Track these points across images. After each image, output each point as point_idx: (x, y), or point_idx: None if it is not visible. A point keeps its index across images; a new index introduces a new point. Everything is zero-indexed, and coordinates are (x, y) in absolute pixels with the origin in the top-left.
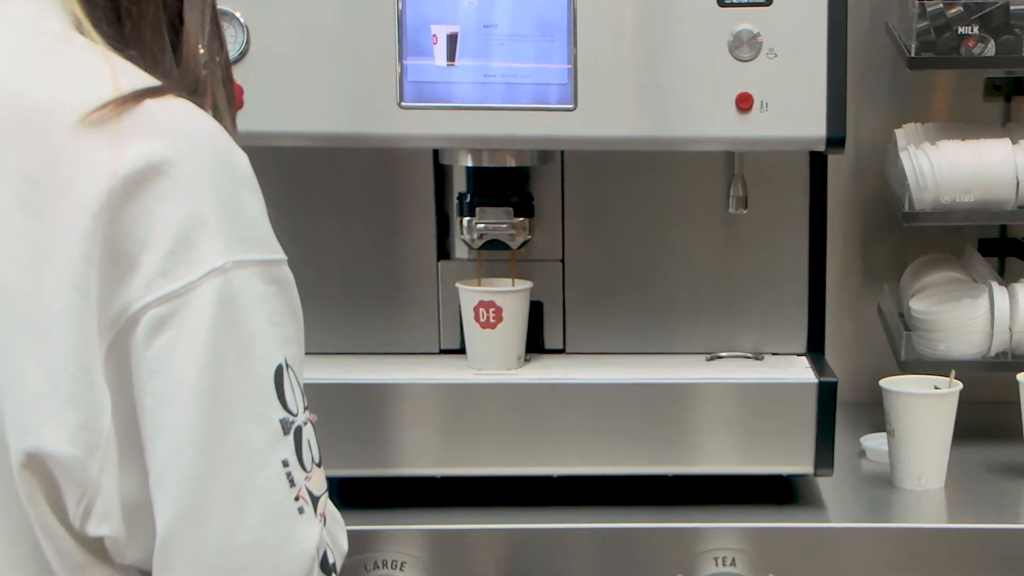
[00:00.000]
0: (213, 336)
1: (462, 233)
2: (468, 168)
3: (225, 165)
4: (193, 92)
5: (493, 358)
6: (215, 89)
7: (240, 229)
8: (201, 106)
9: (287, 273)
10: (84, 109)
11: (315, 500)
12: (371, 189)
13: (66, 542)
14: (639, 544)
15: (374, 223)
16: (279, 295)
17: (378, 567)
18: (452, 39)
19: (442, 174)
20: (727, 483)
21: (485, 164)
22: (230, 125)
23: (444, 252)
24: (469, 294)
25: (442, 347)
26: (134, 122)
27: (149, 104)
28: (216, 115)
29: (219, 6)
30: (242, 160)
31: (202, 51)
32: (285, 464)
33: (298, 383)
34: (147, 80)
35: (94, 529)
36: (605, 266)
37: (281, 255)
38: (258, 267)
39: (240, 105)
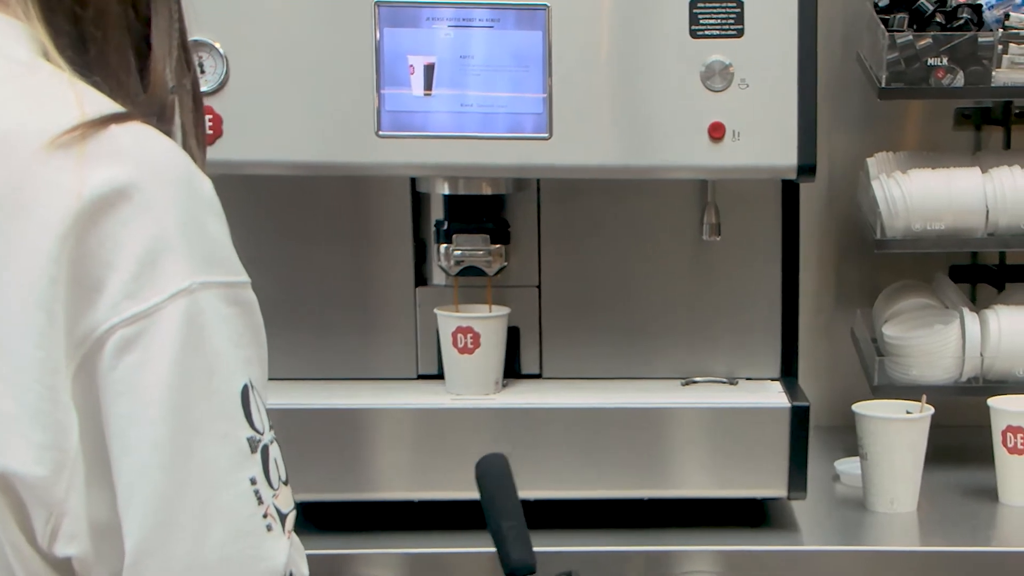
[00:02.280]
0: (180, 356)
1: (439, 260)
2: (445, 196)
3: (189, 189)
4: (160, 117)
5: (471, 383)
6: (183, 114)
7: (204, 251)
8: (168, 131)
9: (250, 295)
10: (50, 133)
11: (283, 517)
12: (349, 216)
13: (34, 562)
14: (615, 567)
15: (352, 250)
16: (242, 316)
17: None
18: (429, 69)
19: (419, 202)
20: (702, 506)
21: (462, 192)
22: (197, 149)
23: (421, 278)
24: (447, 320)
25: (420, 372)
26: (99, 147)
27: (114, 129)
28: (184, 139)
29: (199, 37)
30: (206, 184)
31: (169, 76)
32: (253, 482)
33: (263, 403)
34: (112, 106)
35: (62, 549)
36: (581, 292)
37: (244, 277)
38: (222, 289)
39: (219, 134)
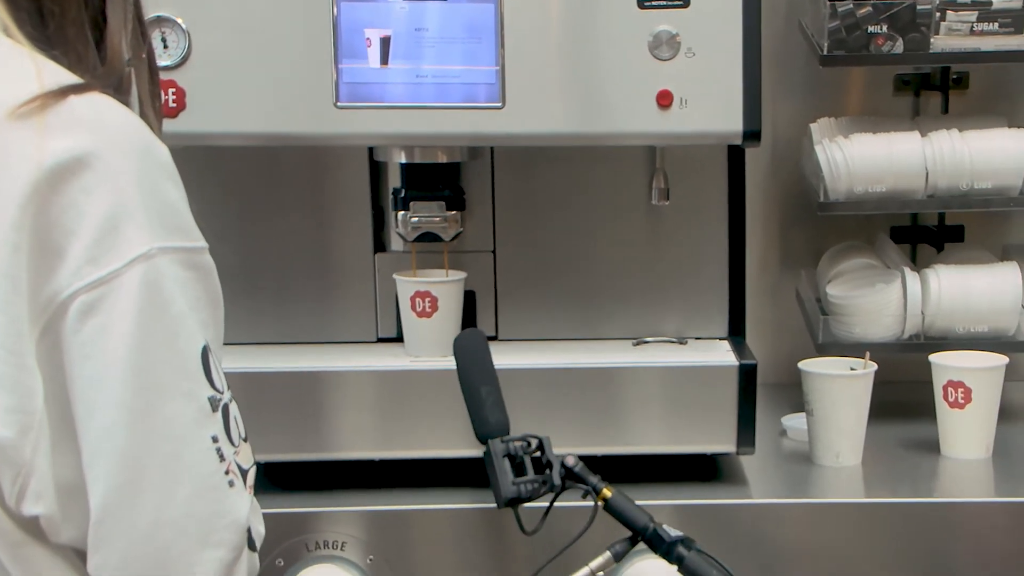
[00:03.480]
0: (141, 319)
1: (397, 227)
2: (402, 164)
3: (147, 157)
4: (117, 89)
5: (429, 345)
6: (139, 84)
7: (163, 217)
8: (126, 102)
9: (208, 260)
10: (9, 105)
11: (244, 473)
12: (309, 186)
13: (3, 521)
14: (572, 521)
15: (313, 218)
16: (199, 280)
17: (320, 547)
18: (385, 42)
19: (377, 171)
20: (655, 462)
21: (418, 160)
22: (154, 119)
23: (380, 245)
24: (406, 285)
25: (380, 335)
26: (58, 117)
27: (73, 100)
28: (141, 109)
29: (162, 13)
30: (163, 152)
31: (125, 48)
32: (215, 440)
33: (220, 364)
34: (71, 78)
35: (29, 508)
36: (534, 256)
37: (202, 243)
38: (180, 254)
39: (182, 107)
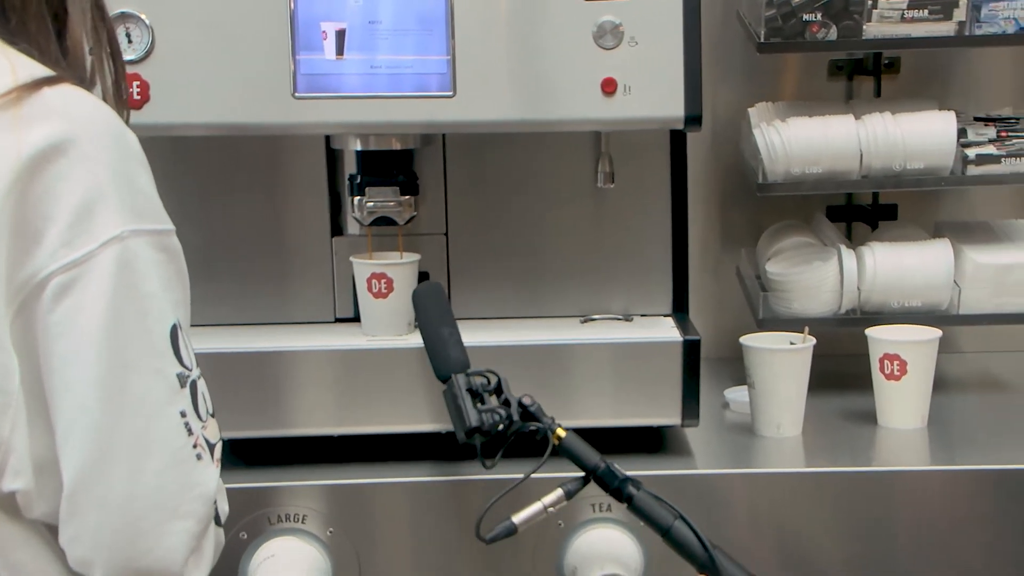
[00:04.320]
0: (113, 299)
1: (353, 211)
2: (357, 152)
3: (119, 144)
4: (82, 80)
5: (385, 325)
6: (101, 74)
7: (134, 202)
8: (91, 92)
9: (176, 242)
10: None
11: (211, 447)
12: (269, 173)
13: None
14: (524, 492)
15: (272, 204)
16: (169, 262)
17: (281, 520)
18: (340, 35)
19: (333, 158)
20: (603, 435)
21: (373, 148)
22: (118, 107)
23: (337, 229)
24: (362, 267)
25: (337, 316)
26: (33, 108)
27: (46, 91)
28: (103, 98)
29: (127, 9)
30: (133, 139)
31: (86, 39)
32: (183, 415)
33: (189, 342)
34: (44, 71)
35: (7, 484)
36: (486, 238)
37: (170, 226)
38: (151, 236)
39: (146, 99)
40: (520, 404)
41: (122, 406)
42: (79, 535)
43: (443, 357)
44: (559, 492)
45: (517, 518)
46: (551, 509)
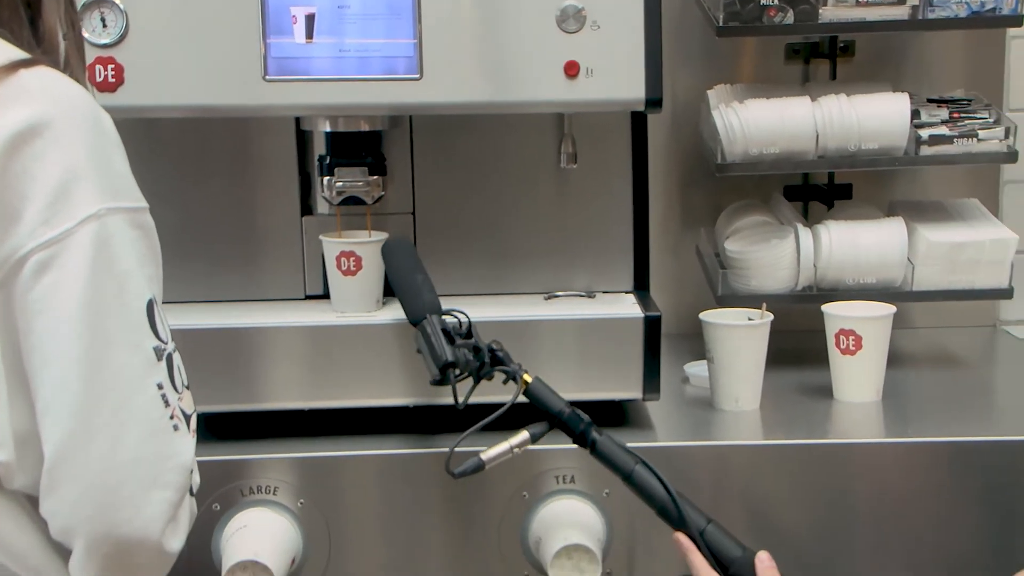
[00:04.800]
0: (91, 275)
1: (323, 191)
2: (327, 133)
3: (94, 125)
4: (57, 64)
5: (354, 302)
6: (73, 57)
7: (110, 180)
8: (65, 73)
9: (150, 220)
10: None
11: (187, 418)
12: (240, 154)
13: None
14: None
15: (244, 184)
16: (144, 238)
17: (253, 492)
18: (310, 19)
19: (303, 139)
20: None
21: (342, 129)
22: (89, 89)
23: (307, 208)
24: (331, 245)
25: (307, 293)
26: (10, 90)
27: (23, 74)
28: (75, 80)
29: None
30: (108, 120)
31: (59, 25)
32: (160, 387)
33: (164, 316)
34: (20, 54)
35: None
36: (452, 217)
37: (145, 203)
38: (127, 214)
39: (121, 82)
40: (489, 349)
41: (101, 380)
42: (60, 505)
43: (418, 300)
44: (525, 434)
45: (485, 455)
46: (517, 450)
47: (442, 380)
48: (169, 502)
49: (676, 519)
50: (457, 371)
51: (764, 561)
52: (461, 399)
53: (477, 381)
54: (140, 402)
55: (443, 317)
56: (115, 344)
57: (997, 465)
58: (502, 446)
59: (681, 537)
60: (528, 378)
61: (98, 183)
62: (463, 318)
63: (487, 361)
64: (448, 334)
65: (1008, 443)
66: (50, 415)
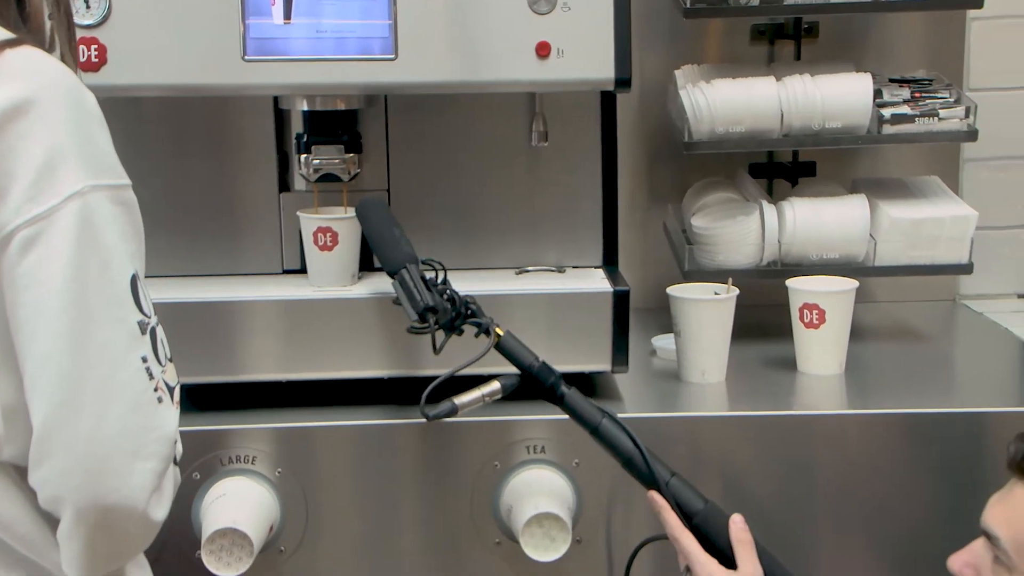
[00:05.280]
0: (76, 251)
1: (300, 168)
2: (304, 112)
3: (78, 104)
4: (42, 44)
5: (331, 276)
6: (60, 37)
7: (94, 158)
8: (51, 53)
9: (132, 196)
10: None
11: (171, 390)
12: (220, 132)
13: None
14: (460, 436)
15: (224, 162)
16: (127, 215)
17: (232, 461)
18: (288, 0)
19: (281, 118)
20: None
21: (319, 108)
22: (73, 67)
23: (285, 185)
24: (308, 221)
25: (285, 268)
26: None
27: (8, 53)
28: (63, 60)
29: None
30: (91, 99)
31: (45, 5)
32: (144, 360)
33: (147, 291)
34: (5, 33)
35: None
36: (426, 194)
37: (127, 180)
38: (110, 191)
39: (104, 62)
40: (464, 301)
41: (87, 354)
42: (49, 476)
43: (396, 251)
44: (496, 384)
45: (458, 400)
46: (488, 399)
47: (421, 326)
48: (154, 472)
49: (642, 470)
50: (436, 316)
51: (738, 524)
52: (439, 347)
53: (450, 333)
54: (125, 375)
55: (421, 268)
56: (100, 319)
57: (955, 436)
58: (474, 393)
59: (655, 495)
60: (500, 332)
61: (82, 161)
62: (439, 269)
63: (462, 312)
64: (426, 283)
65: (966, 414)
66: (38, 388)
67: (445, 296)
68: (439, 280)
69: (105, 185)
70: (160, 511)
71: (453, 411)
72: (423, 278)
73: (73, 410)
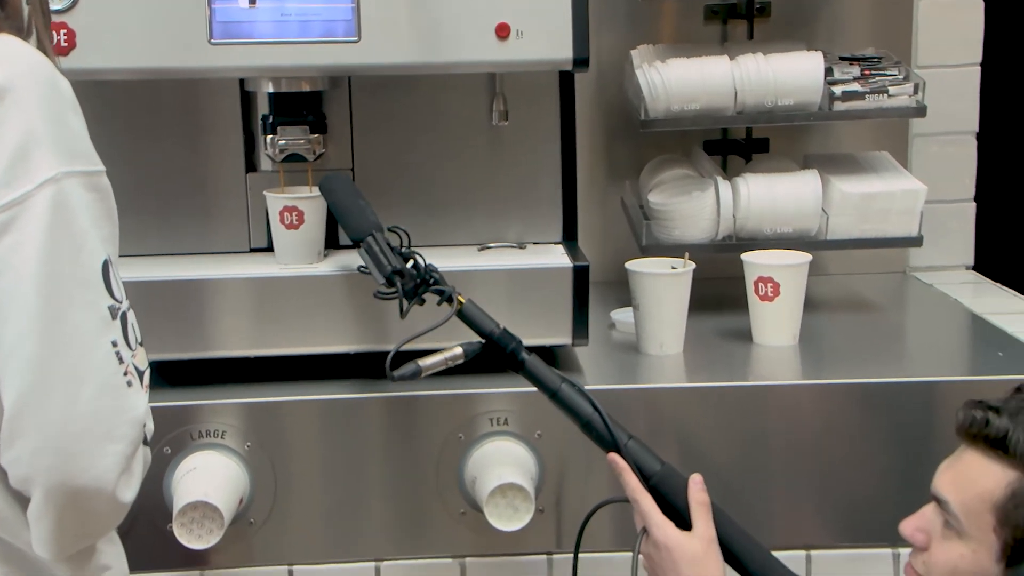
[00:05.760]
0: (49, 237)
1: (266, 149)
2: (270, 94)
3: (53, 90)
4: (19, 30)
5: (297, 254)
6: (37, 23)
7: (67, 144)
8: (27, 40)
9: (106, 182)
10: None
11: (140, 374)
12: (188, 114)
13: None
14: (425, 409)
15: (191, 143)
16: (100, 201)
17: (203, 436)
18: None
19: (248, 99)
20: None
21: (284, 90)
22: (51, 53)
23: (251, 165)
24: (275, 200)
25: (252, 246)
26: None
27: None
28: (39, 47)
29: None
30: (66, 85)
31: None
32: (114, 344)
33: (119, 276)
34: None
35: None
36: (389, 173)
37: (101, 167)
38: (83, 177)
39: (73, 46)
40: (427, 268)
41: (58, 337)
42: (20, 456)
43: (362, 219)
44: (458, 350)
45: (422, 362)
46: (450, 362)
47: (388, 290)
48: (122, 454)
49: (601, 432)
50: (403, 280)
51: (697, 483)
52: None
53: (412, 300)
54: (95, 359)
55: (386, 235)
56: (71, 303)
57: (906, 405)
58: (437, 357)
59: (615, 457)
60: (462, 299)
61: (55, 147)
62: (404, 235)
63: (426, 279)
64: (392, 249)
65: (916, 383)
66: (9, 370)
67: (410, 263)
68: (404, 246)
69: (79, 171)
70: (129, 492)
71: (417, 373)
72: (389, 245)
73: (44, 392)
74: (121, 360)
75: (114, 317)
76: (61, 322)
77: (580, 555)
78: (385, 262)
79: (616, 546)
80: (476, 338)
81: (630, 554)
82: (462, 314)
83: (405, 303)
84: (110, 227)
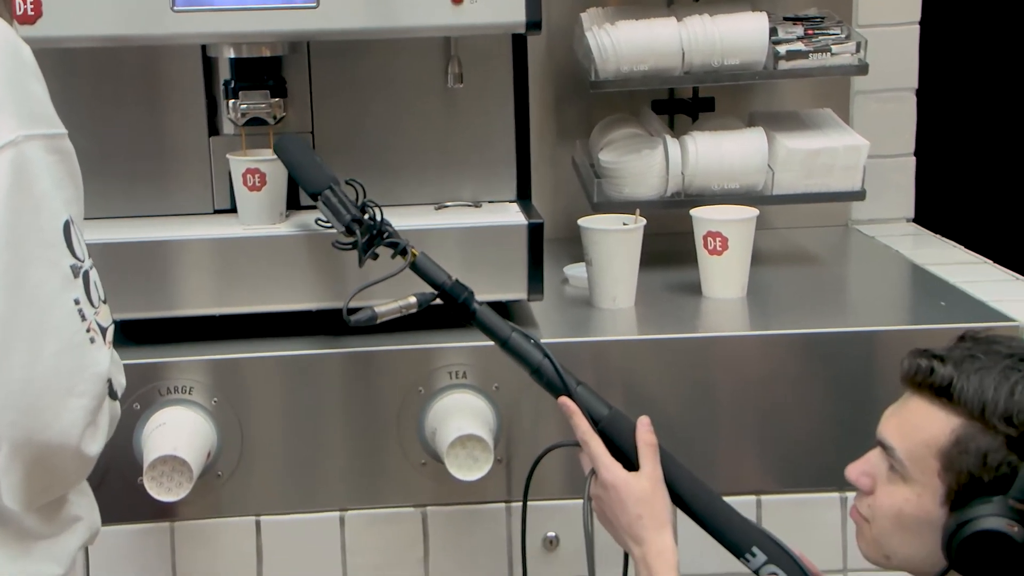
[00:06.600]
0: (10, 198)
1: (228, 113)
2: (231, 59)
3: (14, 55)
4: None
5: (259, 215)
6: None
7: (28, 108)
8: None
9: (68, 145)
10: None
11: (103, 331)
12: (151, 80)
13: None
14: (385, 363)
15: (155, 108)
16: (62, 163)
17: (171, 392)
18: None
19: (209, 65)
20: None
21: (245, 55)
22: (8, 19)
23: (214, 129)
24: (237, 163)
25: (215, 208)
26: None
27: None
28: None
29: None
30: (27, 51)
31: None
32: (77, 302)
33: (82, 236)
34: None
35: None
36: (348, 135)
37: (62, 129)
38: (44, 140)
39: (39, 14)
40: (383, 220)
41: (20, 296)
42: None
43: (320, 174)
44: (412, 299)
45: (378, 309)
46: (404, 310)
47: (348, 239)
48: (86, 409)
49: (551, 377)
50: (362, 228)
51: (645, 424)
52: (364, 259)
53: (365, 252)
54: (57, 317)
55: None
56: (33, 262)
57: (849, 354)
58: (392, 304)
59: (566, 400)
60: (415, 252)
61: (16, 111)
62: (360, 188)
63: (381, 231)
64: (350, 200)
65: (859, 333)
66: None
67: (367, 215)
68: (361, 198)
69: (40, 135)
70: (94, 446)
71: (373, 318)
72: (347, 196)
73: (6, 349)
74: (84, 317)
75: (76, 276)
76: (23, 280)
77: (533, 503)
78: (344, 211)
79: (568, 493)
80: (430, 290)
81: (582, 501)
82: (415, 266)
83: (364, 254)
84: (73, 189)
